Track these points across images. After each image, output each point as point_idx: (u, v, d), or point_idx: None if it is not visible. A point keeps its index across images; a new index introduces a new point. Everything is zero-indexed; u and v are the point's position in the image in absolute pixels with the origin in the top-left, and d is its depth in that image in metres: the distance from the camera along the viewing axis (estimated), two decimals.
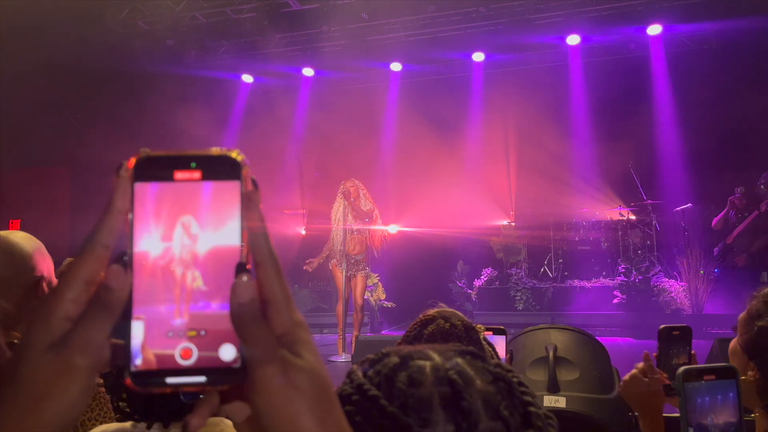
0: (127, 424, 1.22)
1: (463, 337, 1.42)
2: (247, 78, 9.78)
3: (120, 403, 1.18)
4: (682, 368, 0.96)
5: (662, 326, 1.40)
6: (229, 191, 0.44)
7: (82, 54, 7.29)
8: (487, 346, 1.38)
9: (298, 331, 0.43)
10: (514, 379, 0.58)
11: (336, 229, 6.25)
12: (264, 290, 0.43)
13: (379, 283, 8.38)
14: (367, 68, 9.53)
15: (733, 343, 1.29)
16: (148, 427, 1.18)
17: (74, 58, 7.25)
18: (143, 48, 8.13)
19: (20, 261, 1.51)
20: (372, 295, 8.11)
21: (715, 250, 7.21)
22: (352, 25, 8.34)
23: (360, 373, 0.59)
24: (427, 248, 8.84)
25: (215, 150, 0.45)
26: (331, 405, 0.43)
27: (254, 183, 0.45)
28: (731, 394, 0.95)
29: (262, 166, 7.90)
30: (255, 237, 0.44)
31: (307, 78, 9.84)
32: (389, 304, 8.25)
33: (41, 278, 1.54)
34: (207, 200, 0.44)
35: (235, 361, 0.43)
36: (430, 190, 8.95)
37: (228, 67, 9.23)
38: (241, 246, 0.43)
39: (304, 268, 6.56)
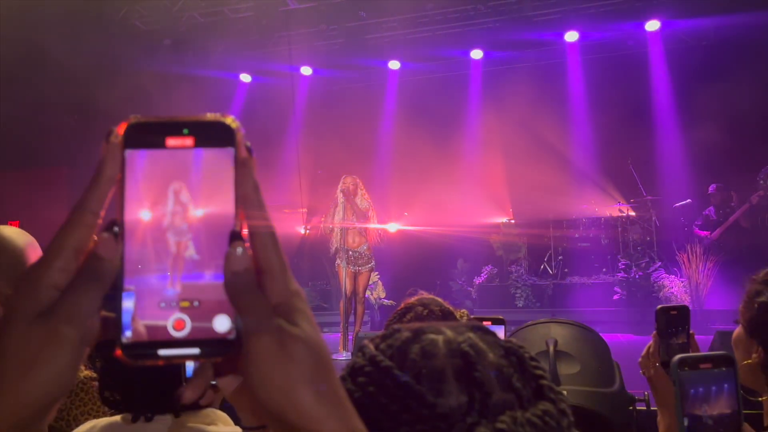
0: (118, 418, 1.21)
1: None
2: (245, 77, 9.76)
3: (106, 393, 1.17)
4: (677, 357, 0.94)
5: (659, 306, 1.40)
6: (223, 158, 0.43)
7: (80, 53, 7.27)
8: None
9: (295, 301, 0.42)
10: (526, 354, 0.59)
11: (334, 225, 6.25)
12: (259, 259, 0.42)
13: (379, 281, 8.38)
14: (366, 66, 9.53)
15: (735, 332, 1.29)
16: (134, 420, 1.17)
17: (72, 57, 7.23)
18: (141, 47, 8.11)
19: (11, 255, 1.51)
20: (372, 294, 8.10)
21: (701, 248, 7.24)
22: (350, 24, 8.32)
23: (372, 347, 0.59)
24: (426, 246, 8.83)
25: (209, 116, 0.43)
26: (329, 375, 0.42)
27: (249, 149, 0.44)
28: (727, 384, 0.93)
29: (260, 166, 7.89)
30: (249, 204, 0.42)
31: (305, 77, 9.83)
32: (389, 302, 8.24)
33: None
34: (200, 167, 0.43)
35: (229, 332, 0.42)
36: (429, 188, 8.94)
37: (226, 66, 9.22)
38: (236, 214, 0.42)
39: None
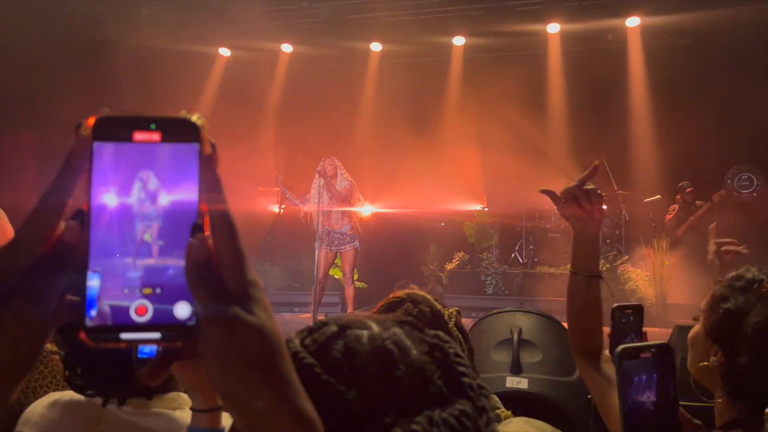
0: (81, 396, 1.21)
1: (430, 325, 1.39)
2: (224, 51, 9.60)
3: (73, 378, 1.17)
4: (619, 347, 0.98)
5: (615, 305, 1.44)
6: (188, 153, 0.45)
7: (53, 19, 7.07)
8: (458, 333, 1.34)
9: (251, 290, 0.44)
10: (450, 350, 0.59)
11: (310, 208, 6.22)
12: (219, 249, 0.44)
13: None
14: (347, 47, 9.43)
15: (693, 331, 1.28)
16: (104, 404, 1.17)
17: (44, 23, 7.03)
18: (116, 15, 7.91)
19: None
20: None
21: (667, 243, 7.40)
22: (334, 2, 8.23)
23: (297, 342, 0.60)
24: (400, 230, 8.87)
25: (177, 113, 0.46)
26: (282, 362, 0.44)
27: (213, 146, 0.46)
28: (666, 372, 0.97)
29: (237, 142, 7.81)
30: (211, 198, 0.45)
31: (285, 54, 9.71)
32: (361, 285, 8.28)
33: None
34: (165, 161, 0.45)
35: (189, 318, 0.44)
36: (405, 172, 8.96)
37: (204, 39, 9.05)
38: (198, 206, 0.45)
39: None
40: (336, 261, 6.63)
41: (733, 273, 1.24)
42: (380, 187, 9.05)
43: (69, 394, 1.22)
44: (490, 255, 8.57)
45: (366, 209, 8.45)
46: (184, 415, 1.16)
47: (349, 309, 6.24)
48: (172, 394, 1.21)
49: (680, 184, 7.67)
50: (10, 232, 1.59)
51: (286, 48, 9.58)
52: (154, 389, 1.17)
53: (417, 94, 9.23)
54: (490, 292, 8.19)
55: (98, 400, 1.17)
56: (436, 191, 9.03)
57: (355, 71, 9.72)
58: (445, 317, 1.31)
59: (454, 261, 8.66)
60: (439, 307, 1.32)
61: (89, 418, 1.16)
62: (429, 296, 1.35)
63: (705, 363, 1.21)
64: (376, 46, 9.47)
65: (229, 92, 9.26)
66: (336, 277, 7.78)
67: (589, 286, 1.43)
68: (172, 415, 1.17)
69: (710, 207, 7.34)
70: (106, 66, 7.90)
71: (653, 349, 0.96)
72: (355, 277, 8.33)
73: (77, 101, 7.29)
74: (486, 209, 9.35)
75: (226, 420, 1.01)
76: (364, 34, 9.00)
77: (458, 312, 1.38)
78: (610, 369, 1.38)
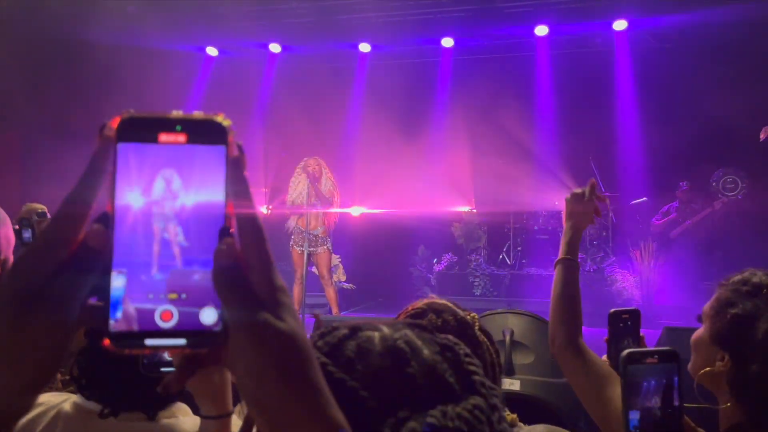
0: (67, 407, 1.16)
1: (456, 333, 1.35)
2: (211, 51, 9.54)
3: (91, 386, 1.13)
4: (625, 351, 0.98)
5: (612, 310, 1.44)
6: (214, 155, 0.44)
7: (35, 17, 6.98)
8: (483, 338, 1.28)
9: (280, 296, 0.44)
10: (461, 351, 0.60)
11: (293, 208, 6.19)
12: (247, 255, 0.43)
13: (340, 264, 8.37)
14: (335, 47, 9.42)
15: (696, 334, 1.26)
16: (102, 415, 1.12)
17: (27, 21, 6.94)
18: (101, 14, 7.82)
19: None
20: (332, 276, 8.08)
21: (655, 245, 7.44)
22: (322, 2, 8.20)
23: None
24: (388, 231, 8.85)
25: (200, 114, 0.45)
26: (313, 370, 0.43)
27: (240, 148, 0.45)
28: (671, 378, 0.97)
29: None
30: (240, 201, 0.44)
31: (273, 54, 9.67)
32: (349, 286, 8.25)
33: None
34: (191, 162, 0.44)
35: (215, 324, 0.43)
36: (393, 173, 8.95)
37: (192, 38, 8.98)
38: (225, 210, 0.43)
39: None
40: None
41: (738, 276, 1.22)
42: (368, 188, 9.04)
43: (64, 396, 1.18)
44: (478, 256, 8.59)
45: (354, 210, 8.44)
46: (183, 423, 1.13)
47: (333, 310, 6.21)
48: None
49: (680, 183, 7.71)
50: (11, 237, 1.56)
51: (275, 48, 9.54)
52: (161, 401, 1.14)
53: (405, 94, 9.23)
54: (478, 294, 8.21)
55: (94, 408, 1.13)
56: (425, 192, 9.03)
57: (343, 71, 9.70)
58: (469, 323, 1.26)
59: (442, 262, 8.66)
60: (462, 314, 1.25)
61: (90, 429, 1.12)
62: (450, 304, 1.29)
63: (710, 368, 1.19)
64: (364, 47, 9.46)
65: (217, 92, 9.20)
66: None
67: (576, 272, 1.63)
68: (174, 425, 1.14)
69: (710, 213, 7.38)
70: (90, 65, 7.80)
71: (659, 355, 0.96)
72: (343, 278, 8.32)
73: (61, 100, 7.20)
74: (474, 210, 9.37)
75: (235, 426, 0.99)
76: (352, 34, 8.98)
77: (477, 316, 1.32)
78: (596, 364, 1.39)
